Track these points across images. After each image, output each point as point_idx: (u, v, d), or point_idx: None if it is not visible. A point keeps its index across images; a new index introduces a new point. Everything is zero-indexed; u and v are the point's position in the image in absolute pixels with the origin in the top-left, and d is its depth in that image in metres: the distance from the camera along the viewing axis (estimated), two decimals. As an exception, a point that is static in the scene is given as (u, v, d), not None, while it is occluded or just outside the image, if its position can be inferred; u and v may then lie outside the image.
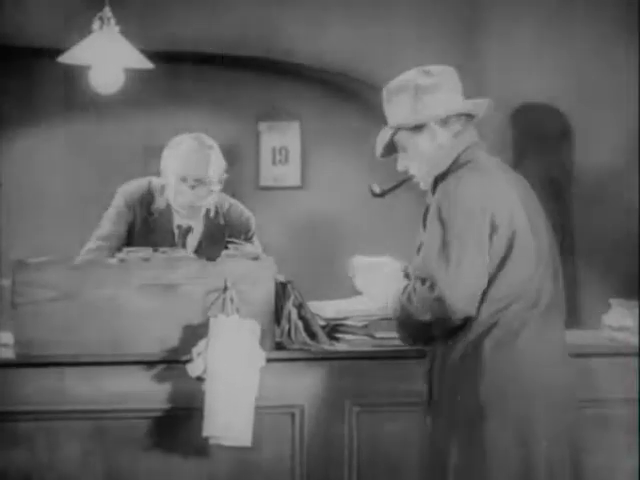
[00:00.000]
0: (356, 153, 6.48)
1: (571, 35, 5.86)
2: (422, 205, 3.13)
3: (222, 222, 4.11)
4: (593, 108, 5.86)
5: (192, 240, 4.09)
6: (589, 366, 3.48)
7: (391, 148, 3.17)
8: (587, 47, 5.85)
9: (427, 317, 2.94)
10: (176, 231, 4.08)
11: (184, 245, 4.04)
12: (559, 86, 5.89)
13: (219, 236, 4.08)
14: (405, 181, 3.26)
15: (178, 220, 4.08)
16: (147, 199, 4.09)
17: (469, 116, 3.13)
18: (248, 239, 4.11)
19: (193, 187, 3.97)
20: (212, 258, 3.48)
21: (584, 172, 5.96)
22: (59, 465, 3.32)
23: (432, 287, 2.92)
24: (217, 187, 4.04)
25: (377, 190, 3.42)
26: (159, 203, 4.08)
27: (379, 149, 3.18)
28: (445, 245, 2.93)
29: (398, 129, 3.12)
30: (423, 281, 2.94)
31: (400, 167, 3.18)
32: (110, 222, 4.07)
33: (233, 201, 4.20)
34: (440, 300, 2.90)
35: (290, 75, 6.36)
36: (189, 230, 4.08)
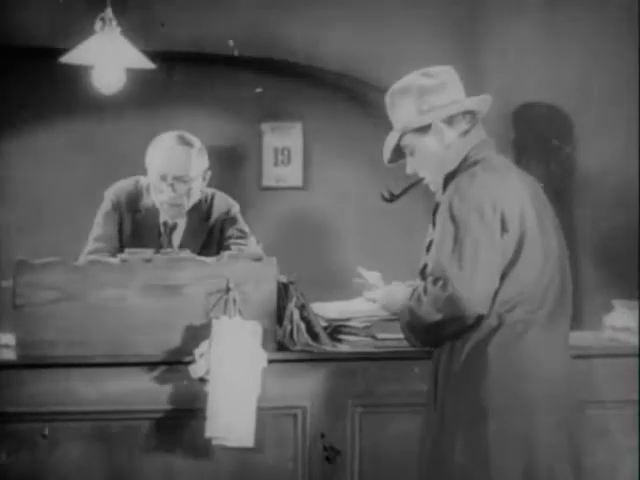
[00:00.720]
0: (358, 154, 6.47)
1: (572, 34, 5.85)
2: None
3: (205, 216, 4.12)
4: (594, 107, 5.85)
5: (177, 237, 4.11)
6: (589, 367, 3.49)
7: (399, 153, 3.16)
8: (588, 46, 5.84)
9: (438, 317, 2.93)
10: (162, 228, 4.10)
11: (170, 242, 4.07)
12: (560, 85, 5.88)
13: (200, 231, 4.10)
14: (415, 184, 3.25)
15: (164, 217, 4.09)
16: (134, 197, 4.12)
17: (474, 114, 3.13)
18: (232, 225, 4.12)
19: (172, 185, 3.99)
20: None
21: (585, 172, 5.95)
22: (61, 466, 3.32)
23: (445, 286, 2.90)
24: (198, 185, 4.04)
25: (387, 195, 3.40)
26: (146, 201, 4.10)
27: (387, 154, 3.17)
28: (458, 243, 2.92)
29: (405, 132, 3.11)
30: (435, 280, 2.93)
31: (409, 170, 3.17)
32: (99, 224, 4.13)
33: (217, 192, 4.21)
34: (454, 299, 2.89)
35: (292, 76, 6.35)
36: (174, 227, 4.10)
